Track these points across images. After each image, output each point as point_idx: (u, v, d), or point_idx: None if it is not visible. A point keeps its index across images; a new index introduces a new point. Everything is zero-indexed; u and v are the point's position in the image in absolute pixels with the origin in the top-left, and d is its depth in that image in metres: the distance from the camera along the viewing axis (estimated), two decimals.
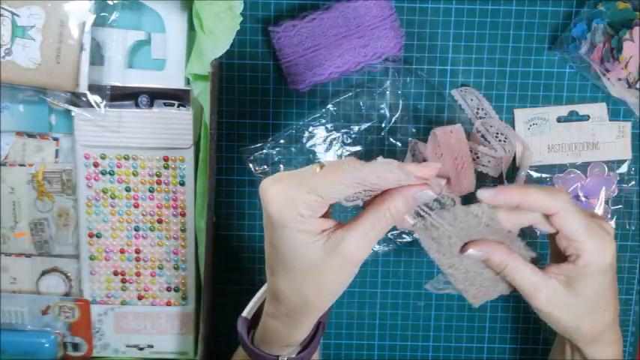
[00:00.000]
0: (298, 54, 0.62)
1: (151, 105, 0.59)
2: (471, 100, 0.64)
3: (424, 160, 0.66)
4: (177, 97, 0.59)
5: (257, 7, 0.64)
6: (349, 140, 0.66)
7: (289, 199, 0.43)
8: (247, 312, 0.53)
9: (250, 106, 0.66)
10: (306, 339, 0.51)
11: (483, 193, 0.46)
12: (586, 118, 0.66)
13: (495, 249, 0.48)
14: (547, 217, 0.48)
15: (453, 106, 0.66)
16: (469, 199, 0.67)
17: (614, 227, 0.52)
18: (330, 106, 0.65)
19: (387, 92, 0.66)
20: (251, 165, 0.65)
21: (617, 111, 0.66)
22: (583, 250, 0.47)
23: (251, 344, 0.51)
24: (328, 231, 0.45)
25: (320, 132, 0.65)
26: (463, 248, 0.48)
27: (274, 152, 0.65)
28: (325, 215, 0.45)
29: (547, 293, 0.48)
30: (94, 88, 0.57)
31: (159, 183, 0.61)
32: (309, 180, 0.43)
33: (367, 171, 0.43)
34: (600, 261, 0.47)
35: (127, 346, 0.65)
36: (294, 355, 0.51)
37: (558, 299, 0.49)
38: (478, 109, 0.64)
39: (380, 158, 0.44)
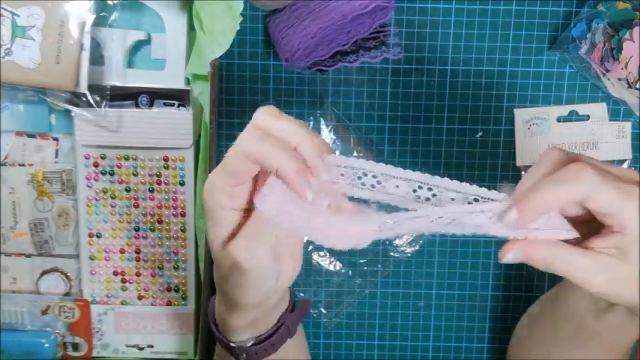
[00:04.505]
0: (288, 24, 0.61)
1: (151, 105, 0.59)
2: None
3: None
4: (177, 97, 0.59)
5: (257, 7, 0.64)
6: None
7: (212, 188, 0.43)
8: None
9: (250, 106, 0.66)
10: (263, 334, 0.50)
11: (506, 220, 0.40)
12: (586, 118, 0.66)
13: (534, 244, 0.41)
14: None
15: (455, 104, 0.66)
16: None
17: None
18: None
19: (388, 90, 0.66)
20: None
21: (617, 111, 0.66)
22: (626, 219, 0.40)
23: (214, 325, 0.51)
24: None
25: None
26: (500, 253, 0.42)
27: None
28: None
29: (601, 273, 0.41)
30: (94, 88, 0.57)
31: (159, 183, 0.61)
32: (225, 162, 0.42)
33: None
34: None
35: (127, 346, 0.65)
36: (246, 345, 0.50)
37: (615, 276, 0.41)
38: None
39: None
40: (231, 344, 0.50)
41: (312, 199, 0.40)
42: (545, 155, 0.42)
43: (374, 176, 0.41)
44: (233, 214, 0.43)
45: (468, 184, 0.40)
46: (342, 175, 0.41)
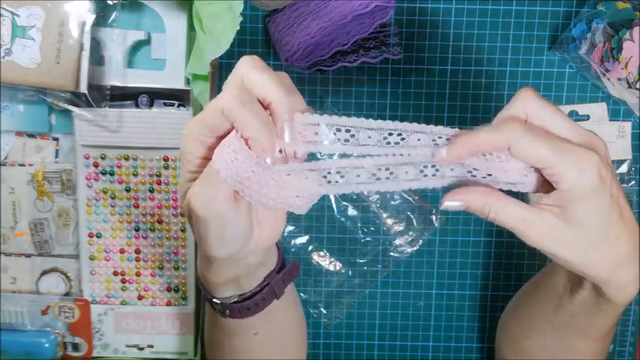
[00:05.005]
0: (288, 25, 0.61)
1: (151, 105, 0.59)
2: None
3: None
4: (177, 97, 0.59)
5: (257, 7, 0.64)
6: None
7: (188, 135, 0.42)
8: None
9: None
10: (247, 293, 0.50)
11: (437, 155, 0.42)
12: (586, 118, 0.66)
13: (474, 193, 0.42)
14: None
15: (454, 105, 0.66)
16: None
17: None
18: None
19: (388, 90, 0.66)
20: None
21: (617, 111, 0.66)
22: (559, 175, 0.41)
23: (202, 282, 0.51)
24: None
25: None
26: (442, 201, 0.43)
27: None
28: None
29: (542, 228, 0.42)
30: (94, 88, 0.57)
31: (159, 183, 0.61)
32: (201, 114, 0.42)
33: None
34: (583, 182, 0.40)
35: (127, 346, 0.65)
36: (228, 302, 0.50)
37: (558, 234, 0.42)
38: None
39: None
40: (214, 300, 0.50)
41: (270, 163, 0.41)
42: (515, 99, 0.44)
43: (347, 130, 0.42)
44: (202, 163, 0.43)
45: (434, 125, 0.42)
46: (317, 133, 0.41)
